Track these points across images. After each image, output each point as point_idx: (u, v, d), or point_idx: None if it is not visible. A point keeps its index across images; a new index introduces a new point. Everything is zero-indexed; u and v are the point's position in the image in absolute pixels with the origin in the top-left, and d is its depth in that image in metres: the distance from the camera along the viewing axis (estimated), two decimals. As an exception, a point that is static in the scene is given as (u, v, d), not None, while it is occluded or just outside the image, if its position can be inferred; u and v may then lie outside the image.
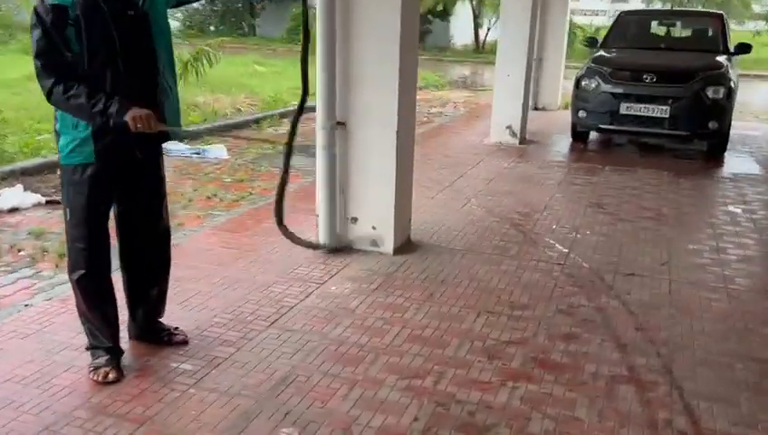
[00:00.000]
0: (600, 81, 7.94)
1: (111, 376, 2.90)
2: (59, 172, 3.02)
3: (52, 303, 3.62)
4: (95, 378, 2.90)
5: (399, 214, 4.52)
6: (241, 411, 2.72)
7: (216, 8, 30.76)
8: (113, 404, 2.75)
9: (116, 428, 2.59)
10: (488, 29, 27.57)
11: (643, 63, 7.98)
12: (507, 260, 4.46)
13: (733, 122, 8.01)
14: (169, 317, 3.40)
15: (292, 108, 9.83)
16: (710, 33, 8.94)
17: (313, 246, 4.41)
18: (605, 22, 25.19)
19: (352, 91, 4.29)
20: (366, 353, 3.21)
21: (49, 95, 2.72)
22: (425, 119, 11.14)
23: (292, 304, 3.69)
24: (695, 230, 5.24)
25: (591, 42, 9.26)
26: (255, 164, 7.32)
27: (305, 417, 2.70)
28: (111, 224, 3.04)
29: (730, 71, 7.85)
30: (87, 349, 3.02)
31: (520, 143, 8.35)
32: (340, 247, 4.51)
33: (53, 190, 5.73)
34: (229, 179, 6.54)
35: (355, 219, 4.52)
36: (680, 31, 9.86)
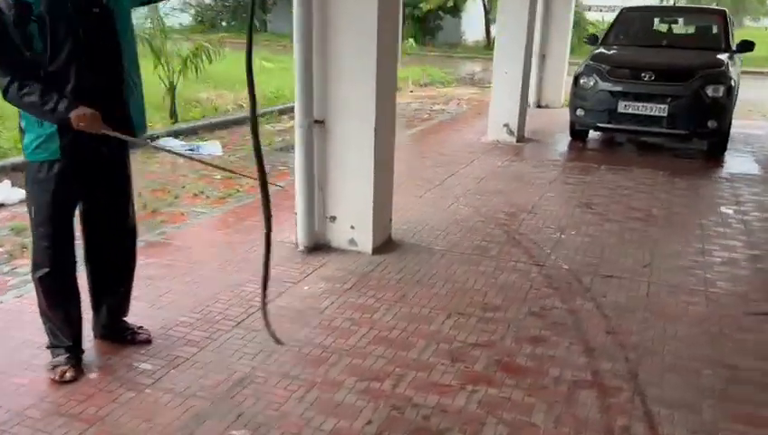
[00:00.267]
0: (598, 78, 7.84)
1: (69, 375, 2.90)
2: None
3: (22, 300, 3.63)
4: (53, 377, 2.91)
5: (379, 213, 4.48)
6: (194, 413, 2.71)
7: (227, 3, 30.84)
8: (68, 404, 2.75)
9: (66, 428, 2.59)
10: (500, 25, 27.39)
11: (642, 61, 7.88)
12: (486, 261, 4.42)
13: (737, 121, 7.90)
14: (138, 315, 3.40)
15: (291, 105, 9.84)
16: (712, 31, 8.81)
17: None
18: (617, 18, 24.93)
19: (330, 88, 4.26)
20: (329, 355, 3.19)
21: (5, 93, 2.73)
22: (426, 116, 11.12)
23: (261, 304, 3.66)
24: (682, 232, 5.16)
25: (592, 39, 9.14)
26: (248, 161, 7.31)
27: (258, 419, 2.68)
28: (77, 223, 3.05)
29: (731, 69, 7.73)
30: (47, 347, 3.02)
31: (517, 141, 8.28)
32: (318, 247, 4.49)
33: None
34: (219, 176, 6.54)
35: (334, 218, 4.50)
36: (682, 28, 9.72)
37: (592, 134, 8.72)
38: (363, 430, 2.64)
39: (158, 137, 7.88)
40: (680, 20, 9.66)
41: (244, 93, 12.07)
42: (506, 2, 8.01)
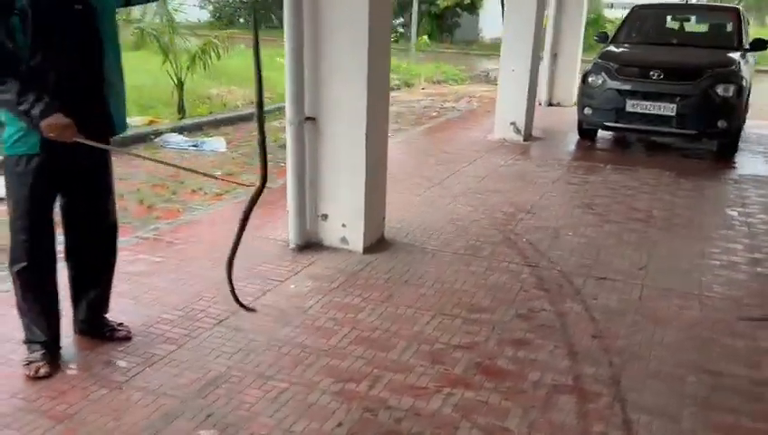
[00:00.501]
0: (606, 77, 7.73)
1: (43, 371, 2.89)
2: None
3: (10, 295, 3.62)
4: (27, 373, 2.90)
5: (371, 212, 4.44)
6: (164, 412, 2.69)
7: (245, 0, 30.90)
8: (39, 400, 2.74)
9: (34, 425, 2.58)
10: (517, 22, 27.19)
11: (651, 59, 7.75)
12: (478, 261, 4.36)
13: (751, 121, 7.74)
14: (121, 312, 3.40)
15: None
16: (725, 29, 8.66)
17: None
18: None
19: (322, 84, 4.22)
20: (307, 355, 3.16)
21: None
22: (435, 113, 11.06)
23: (246, 302, 3.64)
24: (683, 234, 5.06)
25: (602, 36, 9.02)
26: (249, 157, 7.31)
27: (227, 419, 2.65)
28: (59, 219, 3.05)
29: (742, 68, 7.58)
30: (24, 343, 3.02)
31: (524, 140, 8.19)
32: (309, 245, 4.46)
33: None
34: (219, 172, 6.52)
35: (325, 216, 4.46)
36: (695, 26, 9.56)
37: (601, 133, 8.59)
38: (333, 433, 2.60)
39: (161, 133, 7.91)
40: (692, 18, 9.50)
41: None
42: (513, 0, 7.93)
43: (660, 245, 4.79)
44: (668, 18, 9.46)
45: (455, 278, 4.08)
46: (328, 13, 4.08)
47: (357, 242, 4.41)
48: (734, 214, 5.57)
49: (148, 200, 5.64)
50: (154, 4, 6.23)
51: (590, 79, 7.90)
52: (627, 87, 7.59)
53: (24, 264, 2.92)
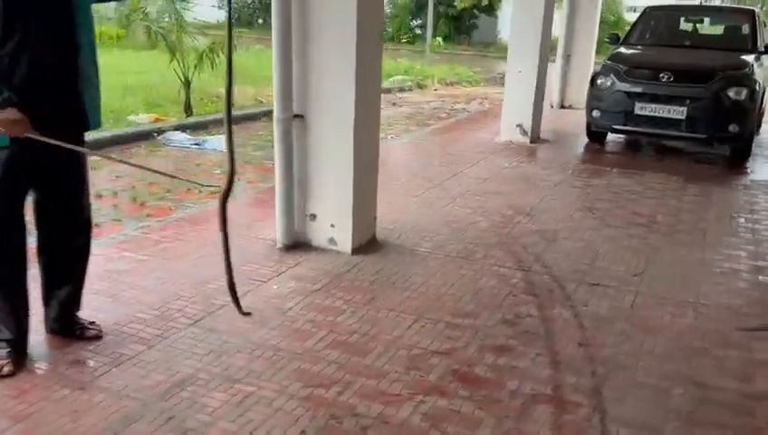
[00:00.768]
0: (615, 79, 7.57)
1: (6, 370, 2.83)
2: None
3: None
4: (-9, 371, 2.84)
5: (360, 212, 4.35)
6: (123, 414, 2.61)
7: (265, 0, 31.01)
8: (-1, 399, 2.68)
9: (-10, 424, 2.51)
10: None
11: (661, 61, 7.58)
12: (469, 264, 4.25)
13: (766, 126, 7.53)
14: (97, 310, 3.35)
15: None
16: (739, 31, 8.45)
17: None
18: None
19: (310, 82, 4.14)
20: (280, 358, 3.07)
21: None
22: (444, 115, 10.95)
23: (224, 302, 3.55)
24: (685, 240, 4.90)
25: (614, 38, 8.85)
26: (249, 156, 7.25)
27: (187, 424, 2.57)
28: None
29: (756, 71, 7.39)
30: (-11, 340, 2.96)
31: (531, 142, 8.05)
32: (297, 245, 4.38)
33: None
34: (219, 171, 6.47)
35: (314, 216, 4.37)
36: (709, 28, 9.35)
37: (612, 137, 8.43)
38: (295, 440, 2.51)
39: (164, 130, 7.88)
40: (706, 19, 9.29)
41: (267, 90, 12.10)
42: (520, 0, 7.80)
43: (660, 251, 4.65)
44: (681, 20, 9.26)
45: (442, 282, 3.97)
46: (316, 9, 4.00)
47: (345, 243, 4.32)
48: (741, 220, 5.40)
49: (141, 198, 5.59)
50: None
51: (598, 81, 7.75)
52: (636, 89, 7.42)
53: (-8, 259, 2.87)
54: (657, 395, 2.89)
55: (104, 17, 15.02)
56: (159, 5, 9.68)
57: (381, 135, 8.98)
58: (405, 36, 26.87)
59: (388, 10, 28.26)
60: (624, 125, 7.58)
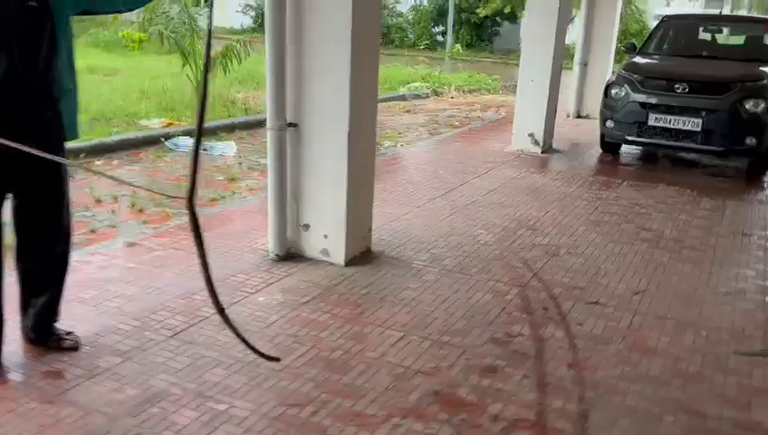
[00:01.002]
0: (629, 89, 7.40)
1: (-21, 379, 2.79)
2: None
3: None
4: (-40, 382, 2.79)
5: (354, 222, 4.26)
6: (89, 430, 2.54)
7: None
8: (-36, 411, 2.62)
9: (-50, 438, 2.46)
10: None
11: (676, 72, 7.39)
12: (464, 279, 4.14)
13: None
14: (77, 319, 3.30)
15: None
16: (760, 41, 8.23)
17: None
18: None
19: (305, 89, 4.07)
20: (257, 374, 2.98)
21: None
22: (457, 123, 10.83)
23: (207, 314, 3.49)
24: (692, 256, 4.74)
25: (630, 47, 8.67)
26: (256, 163, 7.20)
27: (152, 442, 2.50)
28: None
29: (775, 82, 7.18)
30: (-38, 350, 2.92)
31: (542, 152, 7.91)
32: (290, 256, 4.30)
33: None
34: (222, 177, 6.43)
35: (307, 226, 4.30)
36: (728, 38, 9.13)
37: (626, 148, 8.23)
38: (261, 462, 2.42)
39: (171, 135, 7.86)
40: (725, 29, 9.08)
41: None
42: (533, 7, 7.67)
43: (665, 268, 4.49)
44: (700, 29, 9.04)
45: (434, 297, 3.87)
46: (311, 17, 3.93)
47: (338, 254, 4.24)
48: (754, 237, 5.22)
49: (140, 204, 5.56)
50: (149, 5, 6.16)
51: (612, 91, 7.59)
52: (650, 100, 7.24)
53: (-33, 267, 2.83)
54: (646, 423, 2.76)
55: (128, 21, 15.23)
56: (174, 10, 9.68)
57: (391, 143, 9.02)
58: (424, 43, 26.74)
59: (410, 16, 28.19)
60: (638, 137, 7.40)
